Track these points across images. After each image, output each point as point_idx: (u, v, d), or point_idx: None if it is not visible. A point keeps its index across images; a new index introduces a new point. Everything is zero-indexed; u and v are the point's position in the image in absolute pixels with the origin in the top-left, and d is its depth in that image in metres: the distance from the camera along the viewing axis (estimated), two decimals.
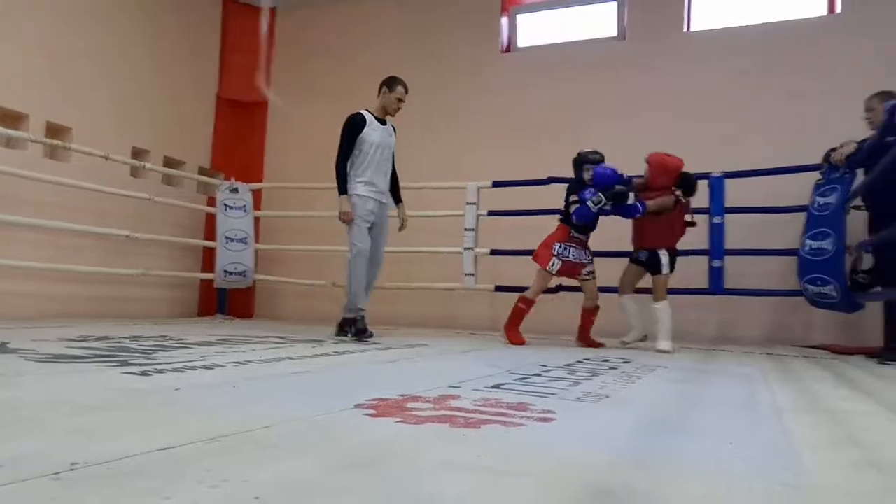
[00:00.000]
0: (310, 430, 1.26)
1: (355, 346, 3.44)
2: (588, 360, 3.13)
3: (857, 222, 4.17)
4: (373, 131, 3.99)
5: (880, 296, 3.84)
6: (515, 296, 4.62)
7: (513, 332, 4.14)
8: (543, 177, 5.24)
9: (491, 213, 5.41)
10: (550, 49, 6.13)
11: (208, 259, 6.22)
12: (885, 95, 3.82)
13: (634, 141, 5.42)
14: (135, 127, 5.77)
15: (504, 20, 6.32)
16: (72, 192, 4.90)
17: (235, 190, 6.13)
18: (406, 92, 4.08)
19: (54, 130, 5.03)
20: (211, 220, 6.19)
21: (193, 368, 2.12)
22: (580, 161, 4.13)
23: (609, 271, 4.40)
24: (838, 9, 5.26)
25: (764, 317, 5.14)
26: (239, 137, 6.77)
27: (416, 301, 6.04)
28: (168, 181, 6.10)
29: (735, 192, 4.70)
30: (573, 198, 4.03)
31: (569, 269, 4.12)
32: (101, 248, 5.32)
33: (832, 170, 4.14)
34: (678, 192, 4.05)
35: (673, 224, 4.08)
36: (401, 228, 4.33)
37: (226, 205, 6.04)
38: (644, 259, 4.13)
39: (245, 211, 6.11)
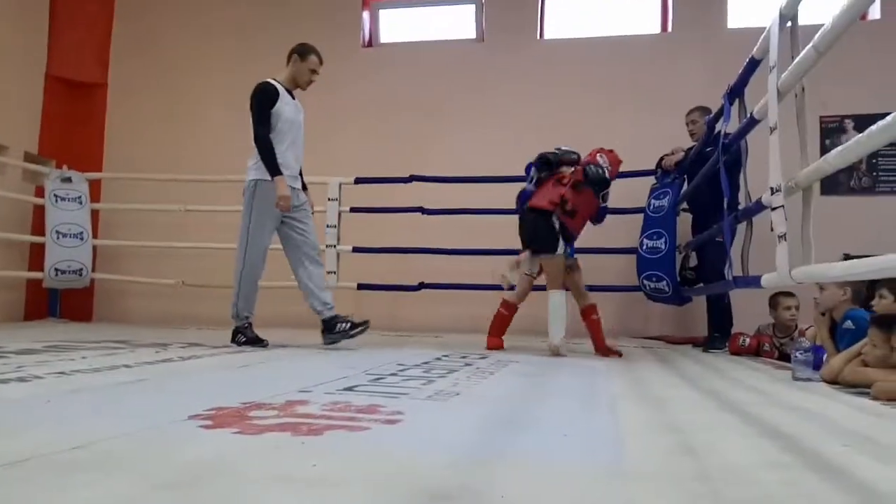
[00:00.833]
0: (131, 448, 1.16)
1: (203, 350, 3.24)
2: (447, 356, 3.17)
3: (689, 224, 4.61)
4: (285, 105, 3.53)
5: (702, 290, 4.26)
6: (380, 294, 4.63)
7: (491, 337, 3.80)
8: (406, 174, 5.26)
9: (353, 210, 5.34)
10: (412, 46, 6.16)
11: (37, 256, 5.58)
12: (705, 110, 4.24)
13: (490, 142, 5.61)
14: None
15: (365, 14, 6.26)
16: None
17: (69, 179, 5.55)
18: (320, 63, 3.69)
19: None
20: (39, 212, 5.56)
21: (4, 381, 1.88)
22: (561, 162, 3.70)
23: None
24: (670, 28, 5.77)
25: (609, 310, 5.48)
26: (74, 121, 6.12)
27: (275, 300, 5.82)
28: None
29: None
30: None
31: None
32: None
33: (665, 175, 4.54)
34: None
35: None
36: None
37: (57, 196, 5.45)
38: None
39: (80, 203, 5.56)
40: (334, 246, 5.27)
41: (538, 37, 5.99)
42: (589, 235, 5.02)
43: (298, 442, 1.23)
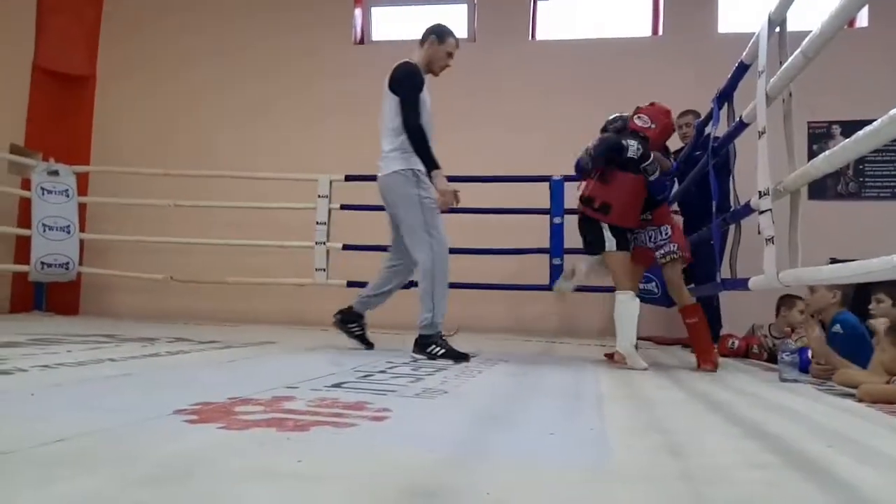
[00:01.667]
0: (114, 442, 1.15)
1: (191, 345, 3.21)
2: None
3: None
4: (427, 93, 3.09)
5: (693, 292, 4.27)
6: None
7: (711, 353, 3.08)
8: None
9: (344, 207, 5.33)
10: (403, 45, 6.12)
11: (23, 249, 5.52)
12: (695, 114, 4.27)
13: (482, 141, 5.61)
14: None
15: (358, 11, 6.24)
16: None
17: (56, 172, 5.50)
18: (457, 47, 3.21)
19: None
20: (25, 205, 5.50)
21: None
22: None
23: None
24: (661, 31, 5.80)
25: (599, 311, 5.53)
26: (61, 113, 6.05)
27: (266, 297, 5.80)
28: None
29: (572, 195, 5.02)
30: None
31: (640, 254, 3.21)
32: None
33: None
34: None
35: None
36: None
37: (43, 188, 5.40)
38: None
39: (67, 196, 5.51)
40: (324, 243, 5.25)
41: (530, 38, 6.01)
42: (576, 237, 5.06)
43: (284, 437, 1.23)
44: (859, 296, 3.01)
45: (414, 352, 2.98)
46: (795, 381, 2.57)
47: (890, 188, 5.20)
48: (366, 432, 1.32)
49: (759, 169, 2.39)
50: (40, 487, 0.87)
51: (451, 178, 4.91)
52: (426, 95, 3.09)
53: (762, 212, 2.35)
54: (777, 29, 2.44)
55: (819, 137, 5.19)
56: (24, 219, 5.49)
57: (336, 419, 1.42)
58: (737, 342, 3.81)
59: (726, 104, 3.31)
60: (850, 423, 1.72)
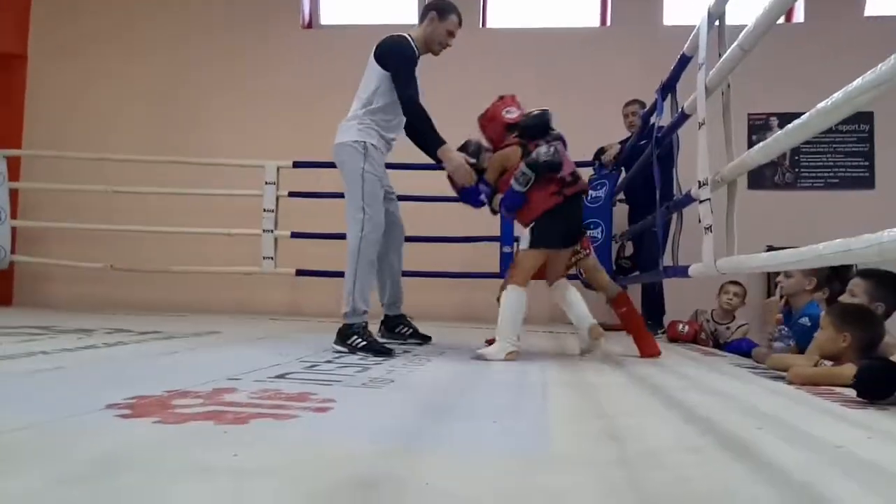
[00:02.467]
0: (39, 439, 1.10)
1: (130, 336, 3.11)
2: (385, 343, 3.15)
3: (625, 214, 4.74)
4: (419, 73, 2.90)
5: (636, 279, 4.39)
6: (319, 281, 4.50)
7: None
8: None
9: (292, 195, 5.23)
10: (353, 29, 6.06)
11: None
12: (641, 104, 4.36)
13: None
14: None
15: None
16: None
17: None
18: (460, 25, 3.03)
19: None
20: None
21: None
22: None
23: None
24: (609, 22, 5.88)
25: (547, 298, 5.61)
26: None
27: (210, 285, 5.66)
28: None
29: None
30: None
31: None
32: None
33: (602, 167, 4.64)
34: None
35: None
36: None
37: None
38: None
39: None
40: (271, 231, 5.15)
41: (480, 25, 6.00)
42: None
43: (221, 431, 1.20)
44: (833, 285, 3.05)
45: (335, 342, 2.73)
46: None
47: (824, 178, 5.43)
48: (307, 424, 1.30)
49: (698, 159, 2.46)
50: None
51: (399, 166, 4.94)
52: (418, 75, 2.89)
53: (702, 201, 2.42)
54: (717, 22, 2.50)
55: (758, 129, 5.36)
56: None
57: (277, 411, 1.40)
58: (686, 327, 3.92)
59: (670, 95, 3.38)
60: (779, 405, 1.79)
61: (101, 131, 5.91)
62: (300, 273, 5.22)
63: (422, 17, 2.99)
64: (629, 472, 1.04)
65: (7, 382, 1.71)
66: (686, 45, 3.00)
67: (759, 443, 1.28)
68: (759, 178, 5.28)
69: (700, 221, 2.43)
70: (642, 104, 4.36)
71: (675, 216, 3.31)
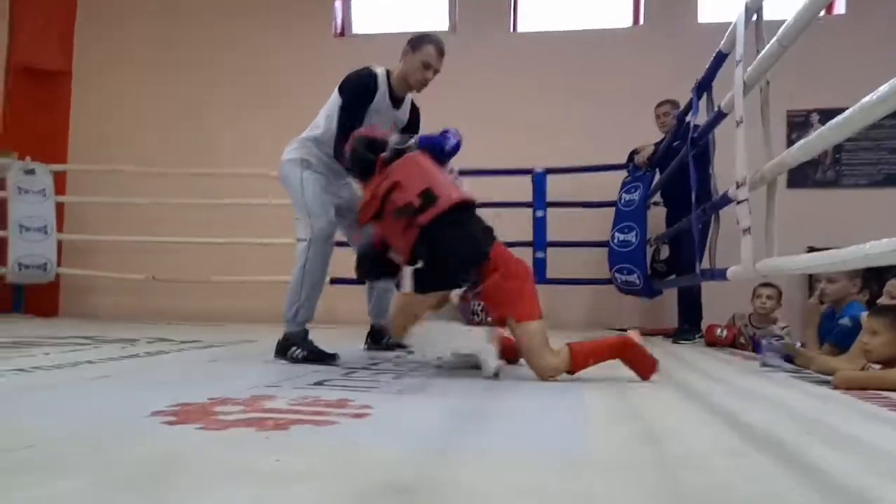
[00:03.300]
0: (88, 445, 1.14)
1: (171, 345, 3.19)
2: (412, 351, 3.16)
3: (660, 217, 4.68)
4: (376, 114, 2.67)
5: (672, 283, 4.32)
6: (351, 288, 4.52)
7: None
8: None
9: None
10: (384, 38, 6.11)
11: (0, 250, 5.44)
12: (674, 104, 4.29)
13: (462, 135, 5.59)
14: None
15: (338, 4, 6.20)
16: None
17: (32, 171, 5.41)
18: (439, 55, 2.72)
19: None
20: (2, 205, 5.41)
21: None
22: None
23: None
24: (641, 21, 5.82)
25: (582, 303, 5.57)
26: (36, 111, 5.95)
27: (250, 295, 5.76)
28: None
29: (554, 187, 5.03)
30: None
31: None
32: None
33: (636, 169, 4.59)
34: None
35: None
36: None
37: (20, 188, 5.32)
38: None
39: (44, 196, 5.42)
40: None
41: (511, 29, 6.00)
42: (562, 229, 5.07)
43: (263, 437, 1.22)
44: (871, 286, 2.96)
45: (275, 355, 2.61)
46: (778, 367, 2.59)
47: (867, 175, 5.26)
48: (346, 430, 1.32)
49: (736, 158, 2.41)
50: (14, 492, 0.86)
51: None
52: (389, 111, 2.72)
53: (739, 202, 2.37)
54: (754, 17, 2.45)
55: (798, 126, 5.23)
56: (1, 220, 5.41)
57: (317, 417, 1.42)
58: (725, 332, 3.84)
59: (705, 94, 3.33)
60: (825, 410, 1.74)
61: (143, 145, 6.08)
62: (335, 281, 5.26)
63: (402, 54, 2.77)
64: (669, 476, 1.03)
65: (58, 391, 1.77)
66: (722, 42, 2.95)
67: (805, 448, 1.25)
68: (800, 176, 5.14)
69: (738, 223, 2.38)
70: (675, 104, 4.29)
71: (712, 218, 3.25)
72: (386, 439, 1.27)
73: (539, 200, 4.98)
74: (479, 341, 2.16)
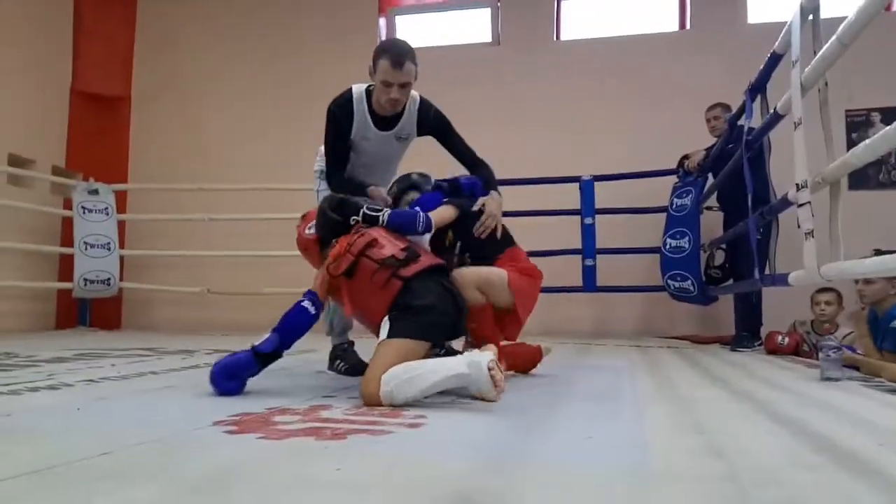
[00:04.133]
0: (157, 454, 1.17)
1: None
2: None
3: (713, 222, 4.57)
4: (363, 140, 2.53)
5: (730, 289, 4.20)
6: None
7: None
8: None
9: None
10: (427, 52, 6.15)
11: (66, 267, 5.69)
12: (726, 107, 4.19)
13: (508, 145, 5.59)
14: None
15: (382, 21, 6.29)
16: None
17: (95, 191, 5.67)
18: (395, 67, 2.39)
19: None
20: (68, 224, 5.68)
21: (34, 390, 1.92)
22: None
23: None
24: (688, 25, 5.71)
25: (633, 311, 5.48)
26: (98, 134, 6.25)
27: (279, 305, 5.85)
28: (15, 182, 5.52)
29: (602, 195, 4.97)
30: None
31: None
32: None
33: (686, 174, 4.49)
34: None
35: None
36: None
37: (84, 207, 5.57)
38: None
39: (107, 214, 5.66)
40: None
41: (554, 38, 5.98)
42: (612, 235, 4.99)
43: (322, 446, 1.23)
44: None
45: (328, 366, 2.66)
46: (838, 379, 2.49)
47: None
48: (402, 439, 1.32)
49: (796, 161, 2.33)
50: (86, 499, 0.89)
51: None
52: (377, 136, 2.52)
53: (801, 205, 2.29)
54: (810, 17, 2.38)
55: (858, 125, 5.04)
56: (67, 237, 5.66)
57: (372, 427, 1.42)
58: (786, 339, 3.70)
59: (759, 96, 3.24)
60: None
61: (196, 162, 6.28)
62: None
63: None
64: (739, 489, 0.99)
65: (124, 401, 1.83)
66: (777, 43, 2.87)
67: (881, 460, 1.19)
68: (862, 177, 4.94)
69: (799, 226, 2.30)
70: (726, 107, 4.19)
71: (772, 222, 3.15)
72: (442, 449, 1.26)
73: (587, 208, 4.93)
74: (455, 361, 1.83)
